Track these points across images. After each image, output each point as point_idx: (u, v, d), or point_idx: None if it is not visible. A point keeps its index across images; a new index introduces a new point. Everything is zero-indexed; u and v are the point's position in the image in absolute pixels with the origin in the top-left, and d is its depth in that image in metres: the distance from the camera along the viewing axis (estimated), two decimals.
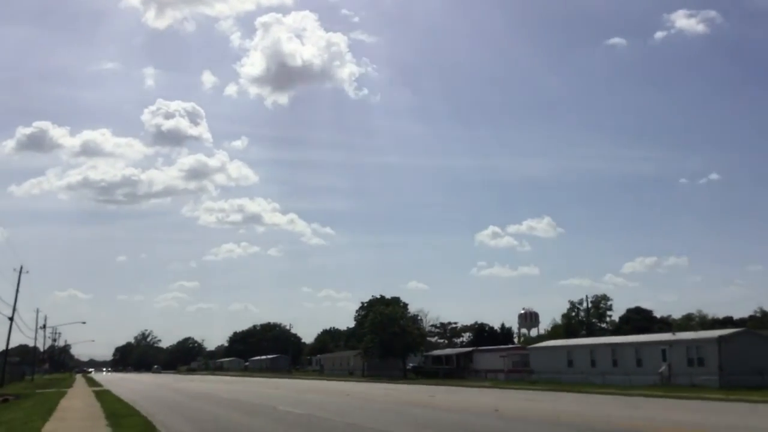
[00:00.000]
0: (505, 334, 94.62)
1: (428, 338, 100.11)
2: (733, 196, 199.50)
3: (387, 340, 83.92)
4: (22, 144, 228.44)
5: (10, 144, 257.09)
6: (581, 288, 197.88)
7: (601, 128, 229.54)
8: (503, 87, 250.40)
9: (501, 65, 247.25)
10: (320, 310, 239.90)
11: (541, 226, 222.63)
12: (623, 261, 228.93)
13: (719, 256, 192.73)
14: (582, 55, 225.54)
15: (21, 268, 72.49)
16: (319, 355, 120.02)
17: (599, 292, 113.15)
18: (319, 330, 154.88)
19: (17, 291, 70.03)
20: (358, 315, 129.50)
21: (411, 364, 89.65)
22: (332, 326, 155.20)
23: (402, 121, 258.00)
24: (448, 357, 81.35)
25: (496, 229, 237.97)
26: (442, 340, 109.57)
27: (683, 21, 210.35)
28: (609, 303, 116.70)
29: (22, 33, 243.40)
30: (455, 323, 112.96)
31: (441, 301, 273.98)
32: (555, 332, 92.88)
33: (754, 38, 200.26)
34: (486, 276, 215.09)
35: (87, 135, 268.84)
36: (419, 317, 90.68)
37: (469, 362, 77.16)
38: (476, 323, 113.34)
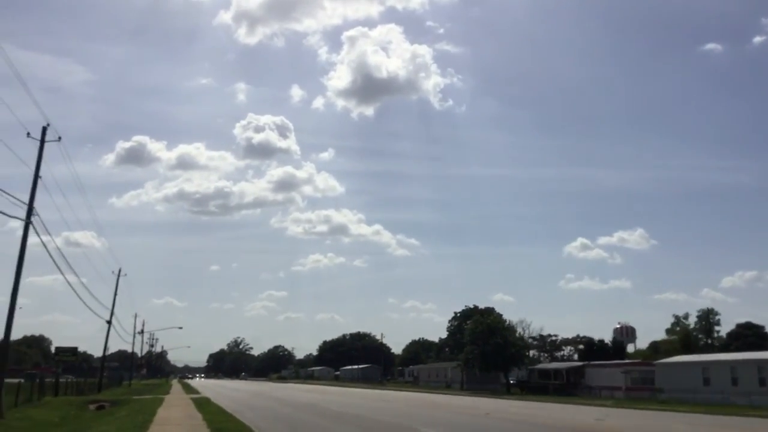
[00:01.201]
0: (616, 348, 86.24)
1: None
2: None
3: (489, 352, 77.04)
4: (121, 158, 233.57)
5: (110, 158, 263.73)
6: (677, 303, 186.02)
7: (696, 137, 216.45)
8: (592, 95, 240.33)
9: (589, 73, 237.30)
10: (405, 320, 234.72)
11: (633, 238, 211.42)
12: (722, 275, 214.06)
13: None
14: (676, 62, 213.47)
15: (119, 271, 69.96)
16: (412, 366, 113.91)
17: (697, 307, 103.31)
18: (404, 340, 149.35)
19: (115, 294, 67.31)
20: (451, 325, 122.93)
21: (511, 379, 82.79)
22: (421, 337, 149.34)
23: (488, 131, 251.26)
24: (556, 371, 73.68)
25: (586, 241, 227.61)
26: (541, 354, 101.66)
27: None
28: (717, 317, 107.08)
29: (122, 52, 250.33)
30: (555, 336, 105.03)
31: (528, 314, 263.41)
32: (669, 347, 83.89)
33: None
34: (575, 289, 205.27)
35: (182, 149, 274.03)
36: (518, 328, 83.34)
37: (580, 378, 69.47)
38: (578, 336, 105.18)
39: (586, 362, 71.97)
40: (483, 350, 77.41)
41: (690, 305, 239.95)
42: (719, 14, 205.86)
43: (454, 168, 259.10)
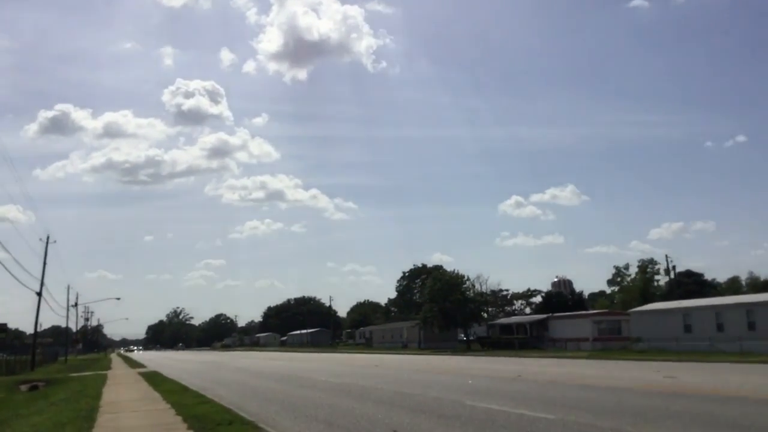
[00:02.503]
0: (576, 300, 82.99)
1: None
2: (761, 158, 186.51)
3: (449, 309, 72.55)
4: (44, 128, 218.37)
5: (33, 128, 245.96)
6: (607, 255, 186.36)
7: (623, 93, 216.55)
8: (524, 54, 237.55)
9: (521, 31, 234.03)
10: (345, 284, 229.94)
11: (565, 195, 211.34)
12: (649, 227, 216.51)
13: (747, 220, 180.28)
14: (604, 19, 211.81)
15: (47, 238, 61.61)
16: (363, 328, 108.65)
17: (626, 260, 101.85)
18: (346, 303, 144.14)
19: (44, 262, 59.15)
20: (400, 285, 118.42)
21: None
22: (366, 299, 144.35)
23: (421, 92, 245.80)
24: (519, 325, 69.75)
25: (519, 198, 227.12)
26: (493, 309, 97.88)
27: None
28: (656, 267, 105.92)
29: (40, 17, 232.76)
30: (506, 290, 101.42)
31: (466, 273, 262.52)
32: (628, 297, 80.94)
33: None
34: (510, 246, 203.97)
35: (109, 117, 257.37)
36: (474, 284, 78.52)
37: (543, 330, 65.74)
38: (528, 290, 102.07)
39: (549, 314, 68.15)
40: (442, 307, 72.92)
41: (620, 258, 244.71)
42: None
43: (389, 130, 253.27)
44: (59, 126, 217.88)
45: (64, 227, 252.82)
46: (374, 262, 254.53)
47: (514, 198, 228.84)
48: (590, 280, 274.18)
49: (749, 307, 45.04)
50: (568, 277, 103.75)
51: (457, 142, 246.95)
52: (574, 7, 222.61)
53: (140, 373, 41.53)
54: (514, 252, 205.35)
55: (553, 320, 65.89)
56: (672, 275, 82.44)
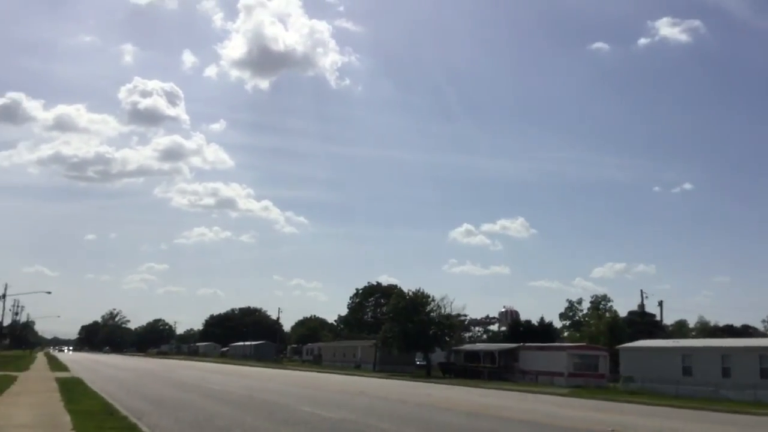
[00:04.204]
0: (545, 329, 76.51)
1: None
2: (705, 207, 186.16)
3: (411, 331, 65.28)
4: None
5: None
6: (550, 290, 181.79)
7: (580, 133, 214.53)
8: (486, 85, 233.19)
9: (485, 63, 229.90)
10: (290, 298, 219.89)
11: (515, 227, 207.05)
12: (593, 265, 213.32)
13: (688, 266, 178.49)
14: (566, 59, 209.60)
15: None
16: (312, 344, 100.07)
17: (567, 296, 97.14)
18: (291, 318, 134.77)
19: None
20: (352, 302, 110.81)
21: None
22: (312, 314, 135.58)
23: (383, 113, 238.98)
24: (486, 353, 62.82)
25: (470, 227, 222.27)
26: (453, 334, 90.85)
27: (667, 29, 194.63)
28: (609, 305, 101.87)
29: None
30: (464, 316, 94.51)
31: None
32: (596, 332, 74.88)
33: (735, 50, 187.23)
34: (457, 273, 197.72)
35: (61, 109, 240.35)
36: (439, 305, 71.38)
37: (513, 361, 58.99)
38: (487, 317, 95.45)
39: (521, 344, 61.48)
40: (404, 329, 65.63)
41: (563, 293, 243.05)
42: (608, 15, 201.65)
43: (347, 148, 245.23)
44: (9, 114, 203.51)
45: (3, 218, 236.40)
46: (320, 279, 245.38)
47: (465, 226, 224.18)
48: (535, 313, 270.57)
49: (762, 352, 39.18)
50: (515, 308, 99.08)
51: (414, 165, 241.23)
52: (539, 45, 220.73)
53: (58, 379, 32.90)
54: (461, 279, 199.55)
55: (524, 350, 59.16)
56: (643, 308, 77.51)
